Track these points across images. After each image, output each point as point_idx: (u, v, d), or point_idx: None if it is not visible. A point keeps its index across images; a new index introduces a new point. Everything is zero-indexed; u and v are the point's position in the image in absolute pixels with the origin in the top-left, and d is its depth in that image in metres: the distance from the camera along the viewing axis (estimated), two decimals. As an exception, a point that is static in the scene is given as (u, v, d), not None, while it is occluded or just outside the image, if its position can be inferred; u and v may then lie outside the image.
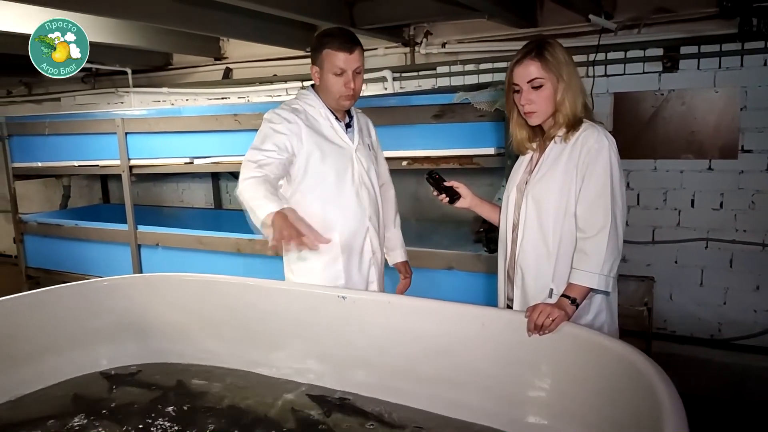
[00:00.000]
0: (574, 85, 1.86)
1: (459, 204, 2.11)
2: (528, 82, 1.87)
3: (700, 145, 3.51)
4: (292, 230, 1.79)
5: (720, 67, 3.41)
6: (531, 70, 1.85)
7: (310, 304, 2.14)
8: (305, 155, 2.16)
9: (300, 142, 2.14)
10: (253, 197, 1.93)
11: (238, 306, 2.30)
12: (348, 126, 2.30)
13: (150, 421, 1.95)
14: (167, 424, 1.94)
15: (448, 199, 2.09)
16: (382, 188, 2.47)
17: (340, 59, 2.12)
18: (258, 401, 2.06)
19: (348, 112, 2.31)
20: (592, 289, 1.82)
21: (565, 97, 1.85)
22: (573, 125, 1.87)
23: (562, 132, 1.89)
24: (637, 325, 3.32)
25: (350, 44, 2.13)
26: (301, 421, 1.93)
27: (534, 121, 1.92)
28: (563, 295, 1.81)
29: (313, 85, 2.28)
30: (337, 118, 2.26)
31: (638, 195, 3.72)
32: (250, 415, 1.98)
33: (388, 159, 3.29)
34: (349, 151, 2.26)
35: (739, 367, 3.51)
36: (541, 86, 1.86)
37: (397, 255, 2.53)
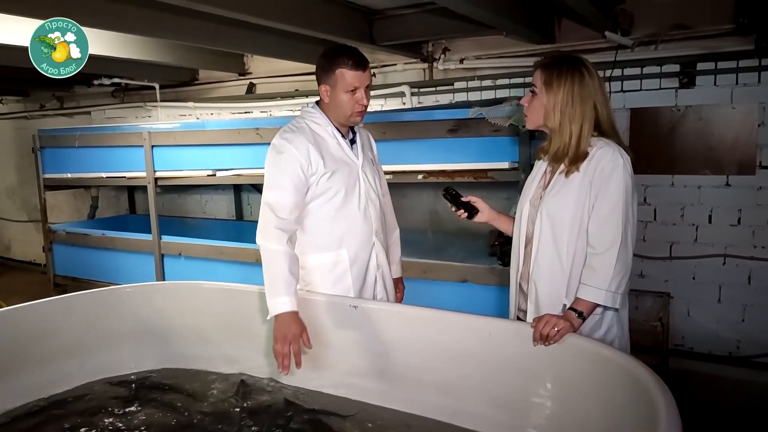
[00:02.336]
0: (573, 114, 1.86)
1: (477, 218, 2.14)
2: (531, 85, 1.95)
3: (717, 161, 3.50)
4: (287, 351, 1.96)
5: (737, 83, 3.40)
6: (535, 74, 1.94)
7: (324, 312, 2.19)
8: (316, 175, 2.18)
9: (309, 163, 2.16)
10: (273, 270, 2.06)
11: (254, 313, 2.37)
12: (352, 142, 2.32)
13: (169, 424, 2.02)
14: (186, 427, 2.01)
15: (466, 214, 2.12)
16: (382, 200, 2.49)
17: (355, 78, 2.14)
18: (272, 406, 2.12)
19: (351, 128, 2.33)
20: (599, 305, 1.85)
21: (556, 117, 1.88)
22: (575, 158, 1.87)
23: (565, 163, 1.90)
24: (653, 340, 3.31)
25: (364, 63, 2.16)
26: (312, 428, 1.98)
27: (527, 125, 2.00)
28: (570, 308, 1.84)
29: (317, 103, 2.29)
30: (342, 135, 2.28)
31: (655, 210, 3.71)
32: (266, 419, 2.03)
33: (404, 172, 3.40)
34: (356, 167, 2.28)
35: (759, 385, 3.46)
36: (534, 93, 1.93)
37: (393, 270, 2.52)
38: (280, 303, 2.01)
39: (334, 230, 2.24)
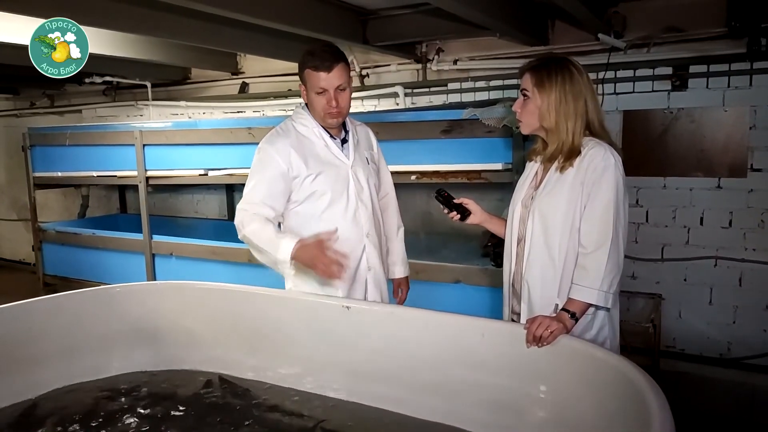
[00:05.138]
0: (567, 111, 1.86)
1: (469, 220, 2.13)
2: (521, 90, 1.94)
3: (709, 164, 3.52)
4: (324, 256, 1.96)
5: (729, 86, 3.43)
6: (524, 78, 1.93)
7: (316, 313, 2.18)
8: (299, 178, 2.16)
9: (290, 167, 2.14)
10: (263, 239, 2.09)
11: (246, 314, 2.35)
12: (344, 141, 2.28)
13: (158, 427, 2.00)
14: (176, 428, 1.98)
15: (458, 216, 2.11)
16: (385, 199, 2.47)
17: (320, 79, 2.09)
18: (263, 408, 2.10)
19: (344, 127, 2.29)
20: (591, 305, 1.85)
21: (551, 117, 1.88)
22: (569, 154, 1.88)
23: (560, 160, 1.90)
24: (644, 342, 3.32)
25: (329, 63, 2.08)
26: (302, 429, 1.96)
27: (522, 129, 1.99)
28: (563, 309, 1.83)
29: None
30: (332, 135, 2.24)
31: (647, 212, 3.73)
32: (255, 420, 2.02)
33: (397, 173, 3.37)
34: (345, 168, 2.23)
35: (749, 387, 3.49)
36: (527, 97, 1.93)
37: (397, 270, 2.49)
38: (285, 245, 2.03)
39: (320, 233, 2.20)
